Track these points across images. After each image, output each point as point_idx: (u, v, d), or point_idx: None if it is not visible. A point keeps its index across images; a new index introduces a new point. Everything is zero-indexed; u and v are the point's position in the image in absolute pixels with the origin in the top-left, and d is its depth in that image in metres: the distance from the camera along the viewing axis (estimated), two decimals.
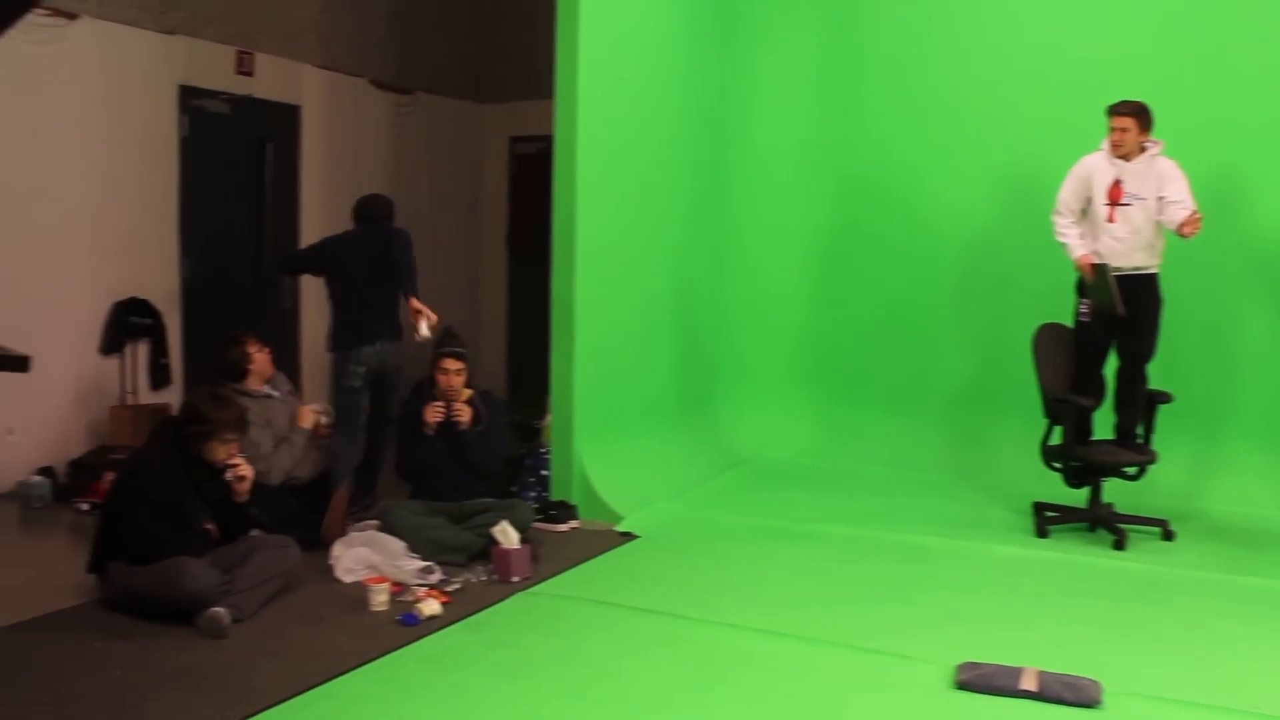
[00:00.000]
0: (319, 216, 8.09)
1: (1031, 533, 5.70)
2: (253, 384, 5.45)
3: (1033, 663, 3.74)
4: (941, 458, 7.12)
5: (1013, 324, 6.59)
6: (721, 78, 7.50)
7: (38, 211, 6.23)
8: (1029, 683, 3.59)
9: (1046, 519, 5.75)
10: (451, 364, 5.36)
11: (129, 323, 6.73)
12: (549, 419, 6.18)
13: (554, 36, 5.87)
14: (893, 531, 5.66)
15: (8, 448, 6.14)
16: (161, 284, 7.00)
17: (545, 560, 5.01)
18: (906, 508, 6.23)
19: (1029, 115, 6.88)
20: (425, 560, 4.79)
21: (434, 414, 5.31)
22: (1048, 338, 5.87)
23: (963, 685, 3.64)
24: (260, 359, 5.49)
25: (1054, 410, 5.72)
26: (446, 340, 5.46)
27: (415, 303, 5.47)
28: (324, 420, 5.62)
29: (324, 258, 5.97)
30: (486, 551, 4.90)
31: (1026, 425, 6.10)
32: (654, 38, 6.64)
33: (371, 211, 5.87)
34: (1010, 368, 6.62)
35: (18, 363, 1.61)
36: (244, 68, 7.45)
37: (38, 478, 6.06)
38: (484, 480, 5.45)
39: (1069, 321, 5.93)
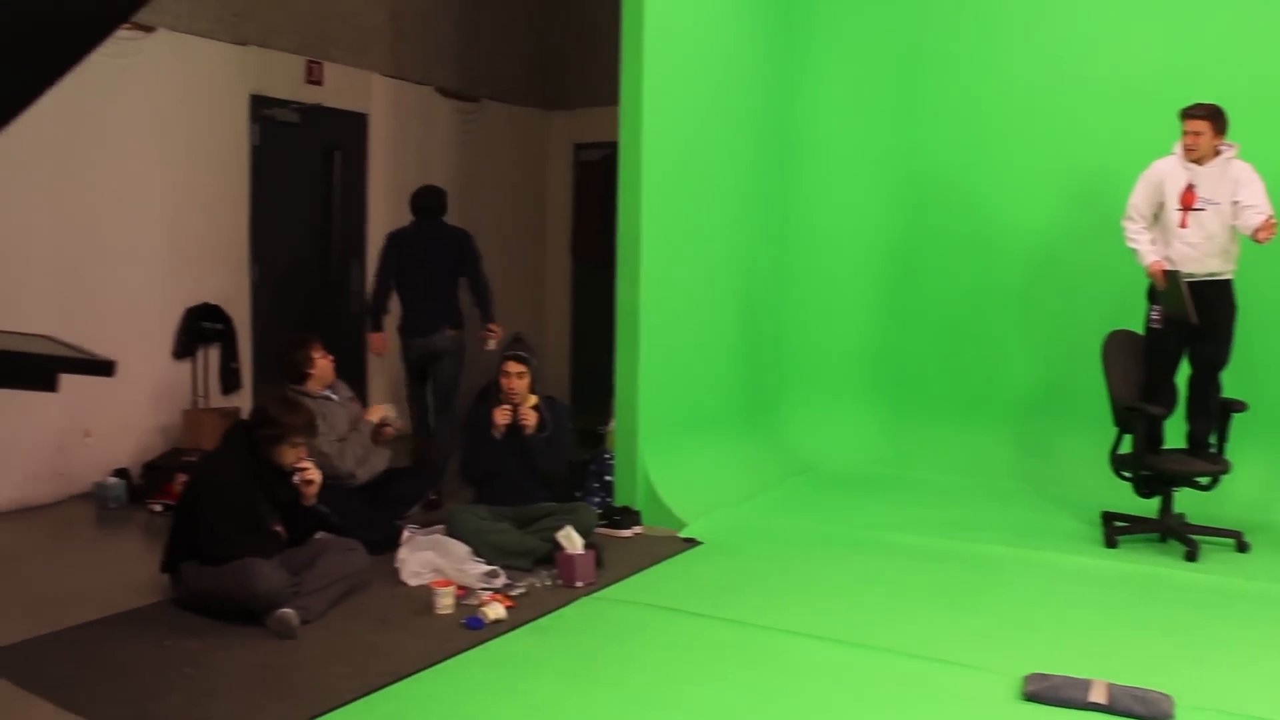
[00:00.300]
0: (385, 223, 8.16)
1: (1100, 543, 5.60)
2: (313, 387, 5.53)
3: (1102, 675, 3.68)
4: (1009, 465, 7.04)
5: (1081, 330, 6.50)
6: (786, 82, 7.47)
7: (116, 220, 6.38)
8: (1098, 695, 3.53)
9: (1116, 529, 5.65)
10: (514, 367, 5.40)
11: (201, 328, 6.86)
12: (613, 424, 6.19)
13: (619, 43, 5.90)
14: (959, 540, 5.59)
15: (85, 450, 6.28)
16: (232, 290, 7.13)
17: (609, 565, 5.02)
18: (973, 516, 6.16)
19: (1099, 118, 6.78)
20: (490, 564, 4.83)
21: (502, 415, 5.36)
22: (1118, 345, 5.78)
23: (1030, 697, 3.59)
24: (323, 365, 5.56)
25: (1124, 418, 5.63)
26: (512, 345, 5.53)
27: (494, 326, 6.54)
28: (390, 418, 5.68)
29: (389, 257, 6.57)
30: (551, 556, 4.93)
31: (1096, 433, 6.01)
32: (718, 43, 6.64)
33: (425, 203, 6.59)
34: (1079, 375, 6.53)
35: (103, 367, 1.64)
36: (313, 77, 7.56)
37: (113, 479, 6.19)
38: (548, 485, 5.49)
39: (1139, 328, 5.84)
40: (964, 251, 7.29)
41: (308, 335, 5.66)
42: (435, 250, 6.51)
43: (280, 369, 5.62)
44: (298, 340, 5.59)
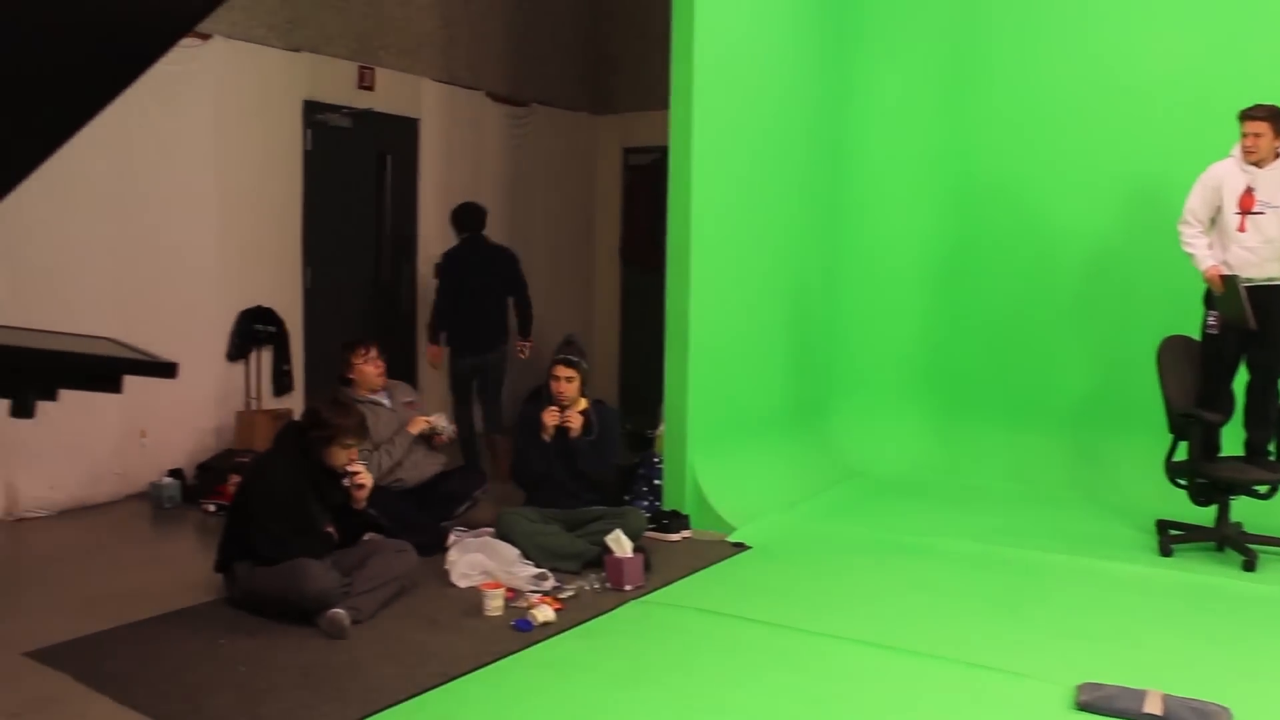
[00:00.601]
0: (436, 227, 8.25)
1: (1155, 551, 5.53)
2: (359, 390, 5.59)
3: (1157, 686, 3.62)
4: (1061, 472, 6.96)
5: (1136, 336, 6.42)
6: (838, 87, 7.45)
7: (172, 224, 6.47)
8: (1153, 706, 3.48)
9: (1171, 537, 5.58)
10: (564, 371, 5.42)
11: (254, 330, 6.94)
12: (662, 429, 6.20)
13: (668, 47, 5.90)
14: (1011, 547, 5.54)
15: (141, 450, 6.37)
16: (285, 293, 7.20)
17: (657, 569, 5.02)
18: (1025, 523, 6.10)
19: (1154, 122, 6.69)
20: (539, 567, 4.85)
21: (551, 416, 5.37)
22: (1173, 351, 5.70)
23: (1084, 706, 3.54)
24: (365, 371, 5.61)
25: (1180, 425, 5.55)
26: (563, 348, 5.55)
27: (529, 342, 7.10)
28: (442, 427, 5.72)
29: (446, 277, 7.07)
30: (600, 559, 4.94)
31: (1150, 440, 5.92)
32: (769, 47, 6.63)
33: (467, 220, 7.03)
34: (1133, 381, 6.44)
35: (165, 369, 1.67)
36: (365, 83, 7.64)
37: (168, 479, 6.28)
38: (596, 489, 5.49)
39: (1195, 334, 5.76)
40: (1016, 256, 7.23)
41: (359, 340, 5.72)
42: (486, 271, 6.96)
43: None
44: (347, 344, 5.68)
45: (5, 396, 1.63)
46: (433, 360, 7.21)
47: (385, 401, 5.69)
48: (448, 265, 7.03)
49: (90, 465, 6.10)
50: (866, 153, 7.59)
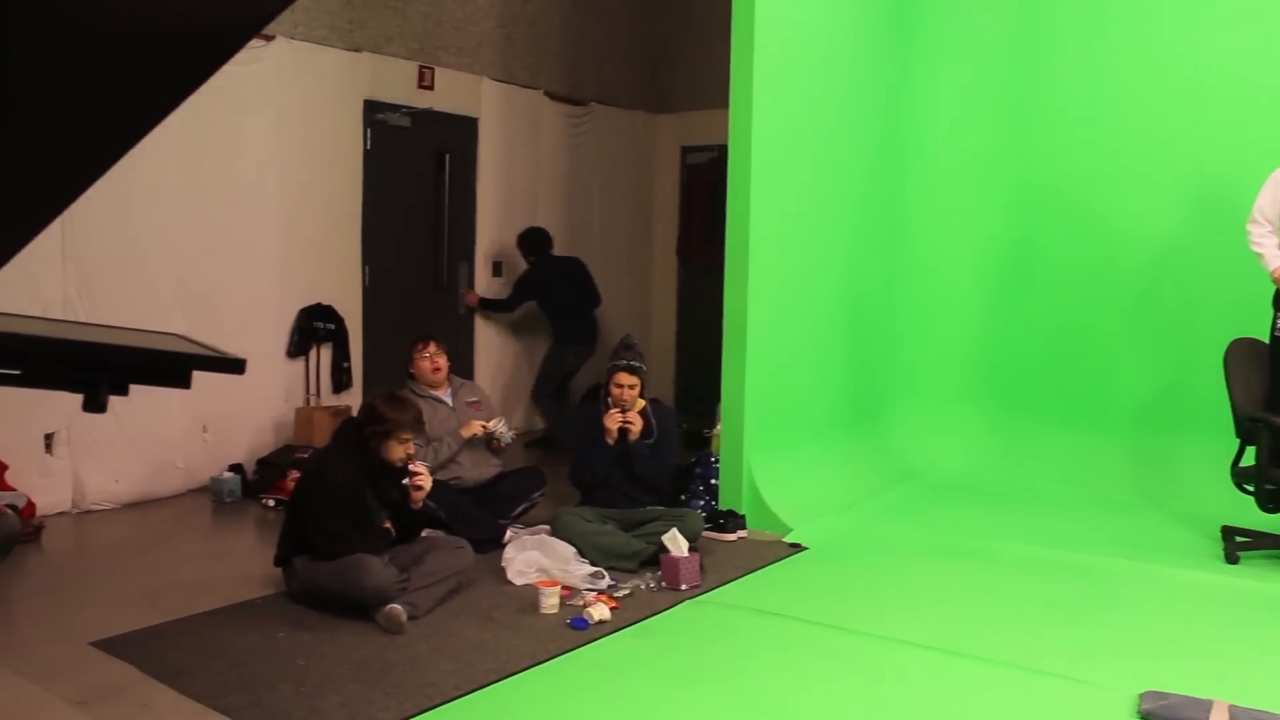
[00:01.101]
0: (494, 226, 8.30)
1: (1221, 558, 5.42)
2: (420, 386, 5.67)
3: (1222, 696, 3.56)
4: (1123, 476, 6.85)
5: (1201, 338, 6.31)
6: (898, 86, 7.37)
7: (235, 222, 6.55)
8: (1219, 717, 3.40)
9: (1237, 544, 5.47)
10: (625, 379, 5.37)
11: (314, 327, 7.02)
12: (719, 428, 6.18)
13: (728, 46, 5.88)
14: (1071, 551, 5.46)
15: (202, 446, 6.46)
16: (345, 290, 7.27)
17: (713, 569, 5.01)
18: (1085, 527, 6.01)
19: (1220, 119, 6.57)
20: (595, 566, 4.86)
21: (613, 419, 5.33)
22: (1241, 353, 5.59)
23: (1147, 715, 3.47)
24: (422, 367, 5.71)
25: (1247, 429, 5.44)
26: (623, 353, 5.49)
27: None
28: (501, 432, 5.72)
29: (529, 293, 8.12)
30: (655, 559, 4.93)
31: (1216, 444, 5.82)
32: (829, 45, 6.57)
33: (538, 243, 8.12)
34: (1198, 384, 6.34)
35: (234, 365, 1.69)
36: (425, 82, 7.69)
37: (229, 474, 6.36)
38: (651, 492, 5.48)
39: (1263, 336, 5.64)
40: (1078, 257, 7.13)
41: (423, 335, 5.78)
42: (576, 279, 8.18)
43: None
44: (414, 339, 5.74)
45: (79, 391, 1.66)
46: (469, 300, 8.13)
47: (446, 399, 5.72)
48: (535, 280, 8.05)
49: (154, 460, 6.20)
50: (926, 151, 7.51)
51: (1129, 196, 6.91)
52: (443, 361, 5.75)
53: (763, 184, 5.92)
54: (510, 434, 5.83)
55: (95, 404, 1.64)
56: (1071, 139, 7.11)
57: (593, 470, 5.40)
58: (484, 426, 5.68)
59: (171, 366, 1.69)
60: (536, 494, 5.81)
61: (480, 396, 6.03)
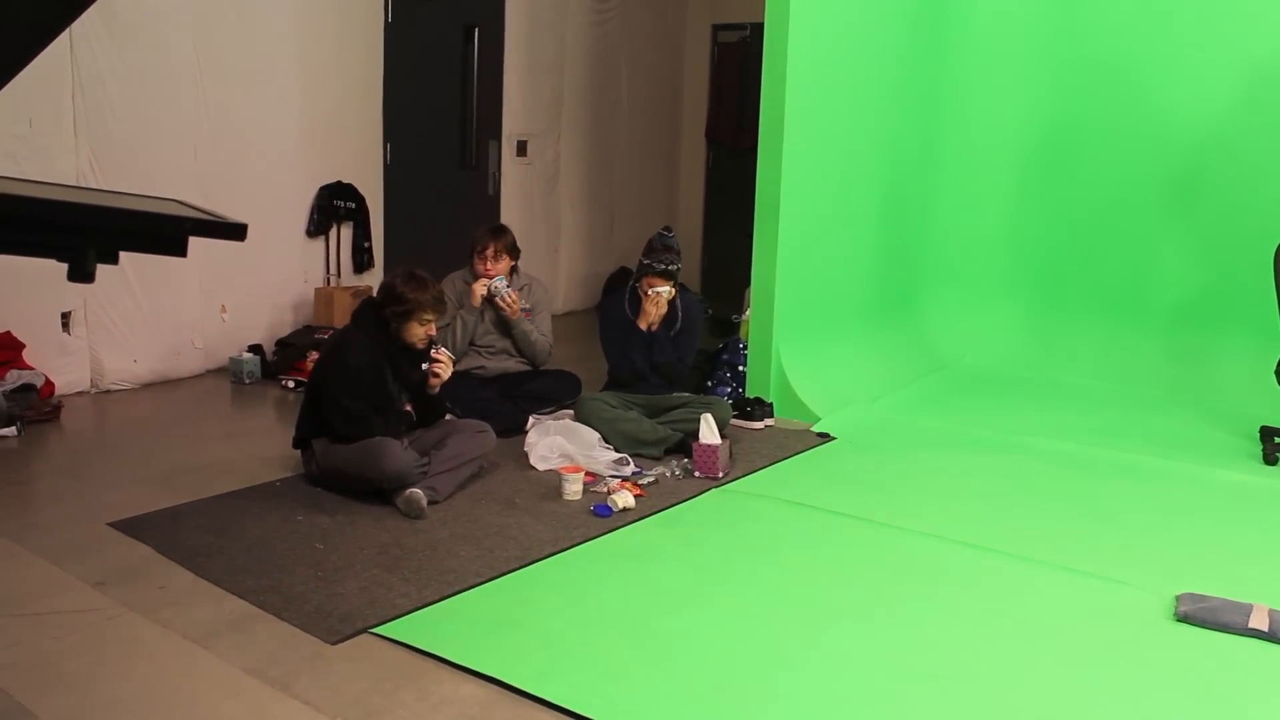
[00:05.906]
0: (520, 104, 8.06)
1: (1259, 459, 5.27)
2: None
3: (1260, 599, 3.44)
4: (1160, 373, 6.69)
5: (1247, 232, 6.11)
6: None
7: (252, 97, 6.36)
8: (1259, 621, 3.28)
9: (1276, 445, 5.32)
10: (659, 282, 5.19)
11: (334, 206, 6.86)
12: (747, 314, 6.03)
13: None
14: (1104, 448, 5.33)
15: (221, 325, 6.37)
16: (365, 169, 7.10)
17: (740, 458, 4.92)
18: (1119, 424, 5.87)
19: None
20: (619, 452, 4.75)
21: (645, 322, 5.23)
22: None
23: (1184, 617, 3.36)
24: (479, 270, 5.39)
25: None
26: (662, 252, 5.24)
27: None
28: (497, 288, 5.33)
29: None
30: (681, 446, 4.83)
31: (1258, 343, 5.67)
32: None
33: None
34: (1242, 280, 6.15)
35: (234, 230, 1.54)
36: None
37: (248, 354, 6.28)
38: (669, 384, 5.35)
39: None
40: (1121, 143, 6.88)
41: (486, 232, 5.48)
42: None
43: None
44: (475, 235, 5.51)
45: (64, 259, 1.52)
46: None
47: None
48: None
49: (172, 340, 6.11)
50: (969, 29, 7.20)
51: (1181, 80, 6.63)
52: (504, 265, 5.43)
53: (798, 64, 5.67)
54: (511, 292, 5.37)
55: (81, 273, 1.50)
56: (1120, 15, 6.81)
57: (633, 363, 5.26)
58: (484, 284, 5.33)
59: (165, 230, 1.54)
60: (570, 401, 5.58)
61: (535, 301, 5.60)
